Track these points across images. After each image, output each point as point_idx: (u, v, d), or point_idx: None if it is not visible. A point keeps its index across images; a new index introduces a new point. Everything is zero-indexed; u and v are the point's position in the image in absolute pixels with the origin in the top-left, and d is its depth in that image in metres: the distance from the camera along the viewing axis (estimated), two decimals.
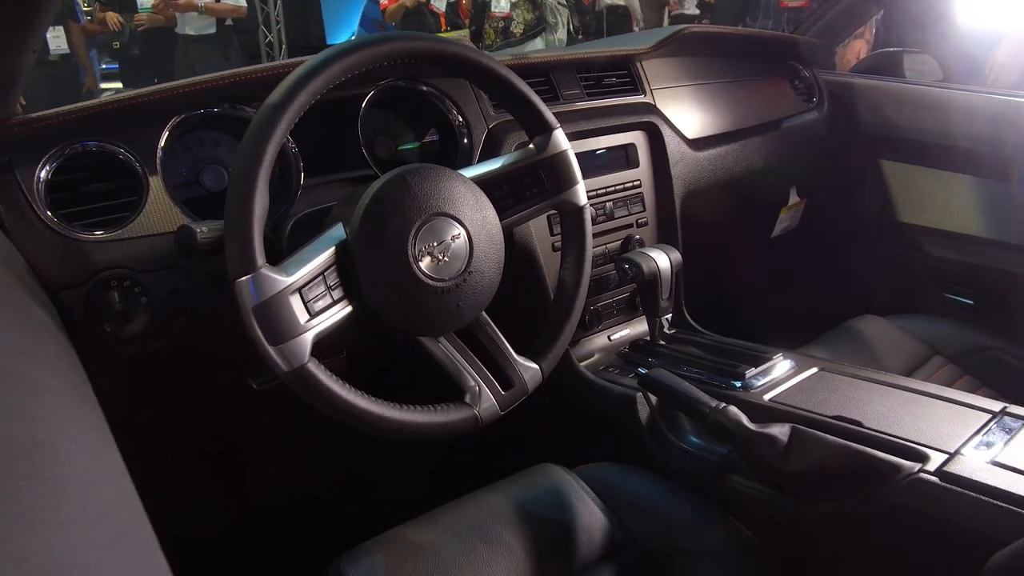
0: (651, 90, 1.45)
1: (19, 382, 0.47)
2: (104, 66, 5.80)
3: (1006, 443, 0.89)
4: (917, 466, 0.85)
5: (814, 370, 1.13)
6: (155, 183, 0.95)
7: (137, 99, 0.95)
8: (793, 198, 1.81)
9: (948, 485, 0.83)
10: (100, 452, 0.47)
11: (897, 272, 1.85)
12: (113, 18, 4.92)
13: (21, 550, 0.31)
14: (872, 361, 1.38)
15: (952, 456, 0.86)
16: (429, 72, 1.18)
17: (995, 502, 0.79)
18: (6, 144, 0.87)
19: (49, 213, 0.89)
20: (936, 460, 0.86)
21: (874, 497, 0.87)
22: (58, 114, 0.89)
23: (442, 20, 4.69)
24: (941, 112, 1.69)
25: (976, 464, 0.85)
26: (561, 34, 4.93)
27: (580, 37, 6.15)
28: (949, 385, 1.18)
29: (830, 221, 1.94)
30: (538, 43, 4.64)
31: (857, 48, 3.09)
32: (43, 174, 0.89)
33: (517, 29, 4.58)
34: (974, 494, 0.81)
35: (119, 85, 5.74)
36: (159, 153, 0.96)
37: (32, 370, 0.51)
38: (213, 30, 4.70)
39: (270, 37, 6.57)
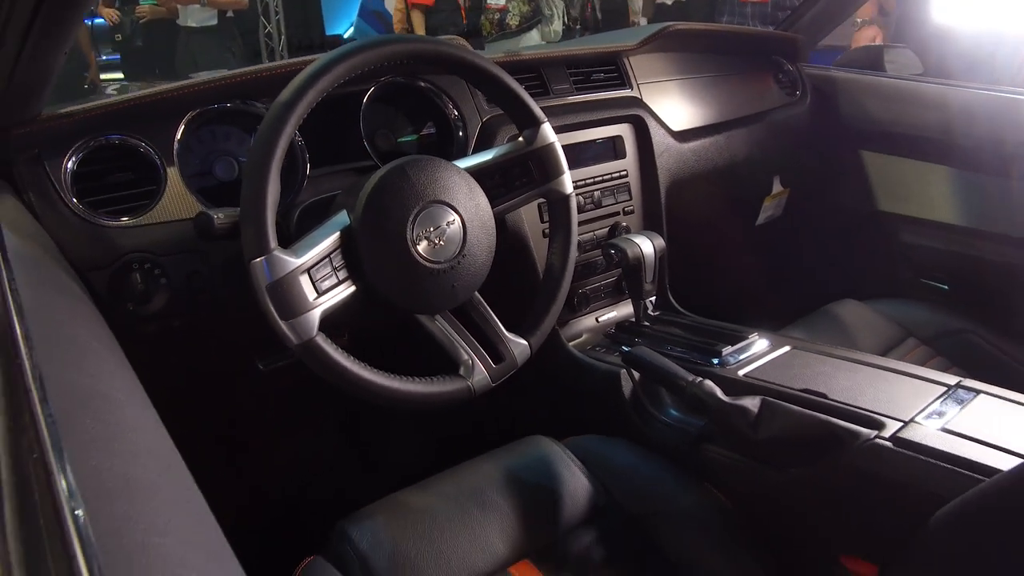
0: (638, 84, 1.51)
1: (72, 343, 0.55)
2: (105, 57, 5.85)
3: (957, 413, 0.96)
4: (874, 433, 0.92)
5: (787, 348, 1.20)
6: (172, 173, 1.02)
7: (156, 96, 1.02)
8: (776, 187, 1.87)
9: (901, 450, 0.89)
10: (140, 403, 0.55)
11: (876, 259, 1.91)
12: (110, 14, 4.96)
13: (96, 469, 0.39)
14: (848, 342, 1.43)
15: (907, 424, 0.93)
16: (427, 69, 1.25)
17: (942, 464, 0.86)
18: (36, 138, 0.94)
19: (75, 200, 0.96)
20: (891, 427, 0.93)
21: (835, 462, 0.93)
22: (84, 110, 0.96)
23: (463, 13, 4.71)
24: (918, 105, 1.75)
25: (927, 431, 0.91)
26: (557, 26, 4.96)
27: (578, 27, 6.17)
28: (922, 365, 1.25)
29: (813, 210, 2.00)
30: (534, 34, 4.68)
31: (871, 34, 3.16)
32: (70, 165, 0.96)
33: (513, 21, 4.62)
34: (924, 457, 0.87)
35: (120, 75, 5.79)
36: (176, 146, 1.03)
37: (79, 334, 0.59)
38: (215, 22, 4.72)
39: (269, 28, 6.60)
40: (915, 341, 1.51)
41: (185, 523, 0.41)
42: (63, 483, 0.35)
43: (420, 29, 4.30)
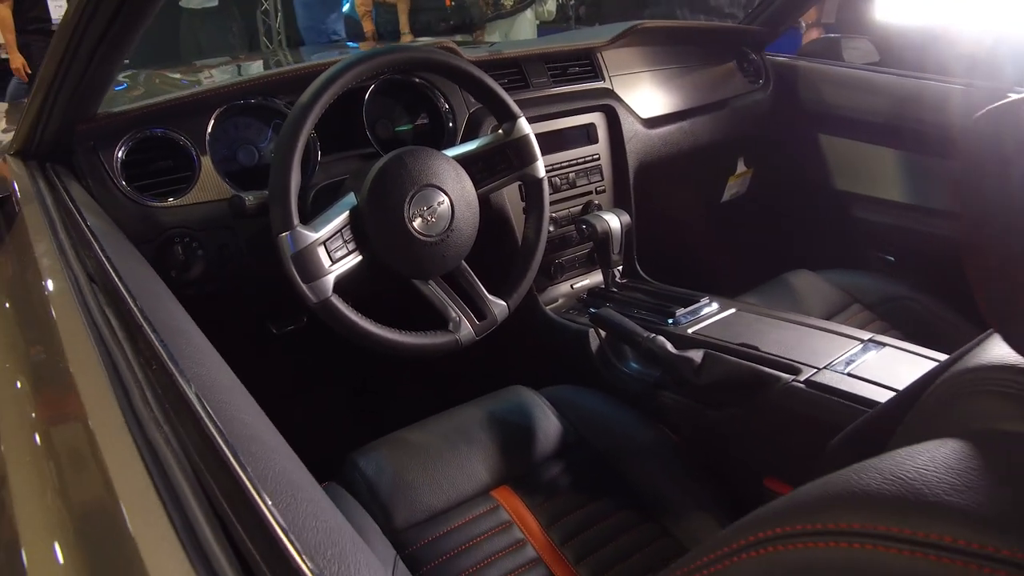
0: (610, 77, 1.66)
1: (155, 295, 0.74)
2: None
3: (863, 361, 1.14)
4: (792, 377, 1.11)
5: (733, 310, 1.38)
6: (205, 161, 1.19)
7: (193, 96, 1.19)
8: (740, 168, 2.03)
9: (812, 391, 1.08)
10: (202, 338, 0.73)
11: (831, 232, 2.06)
12: None
13: (196, 375, 0.57)
14: (798, 307, 1.59)
15: (820, 370, 1.12)
16: (420, 71, 1.40)
17: (842, 401, 1.04)
18: (93, 132, 1.10)
19: (124, 183, 1.12)
20: (807, 373, 1.11)
21: (761, 402, 1.12)
22: (134, 108, 1.13)
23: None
24: (870, 92, 1.90)
25: (835, 376, 1.10)
26: (550, 5, 5.06)
27: (572, 3, 6.24)
28: (862, 328, 1.43)
29: (774, 188, 2.15)
30: (528, 14, 4.76)
31: (815, 35, 3.36)
32: (120, 154, 1.13)
33: (507, 1, 4.71)
34: (828, 396, 1.06)
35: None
36: (207, 137, 1.20)
37: (156, 288, 0.78)
38: (216, 2, 4.82)
39: (266, 5, 6.67)
40: (859, 307, 1.67)
41: (254, 413, 0.59)
42: (182, 382, 0.53)
43: (403, 15, 4.38)
